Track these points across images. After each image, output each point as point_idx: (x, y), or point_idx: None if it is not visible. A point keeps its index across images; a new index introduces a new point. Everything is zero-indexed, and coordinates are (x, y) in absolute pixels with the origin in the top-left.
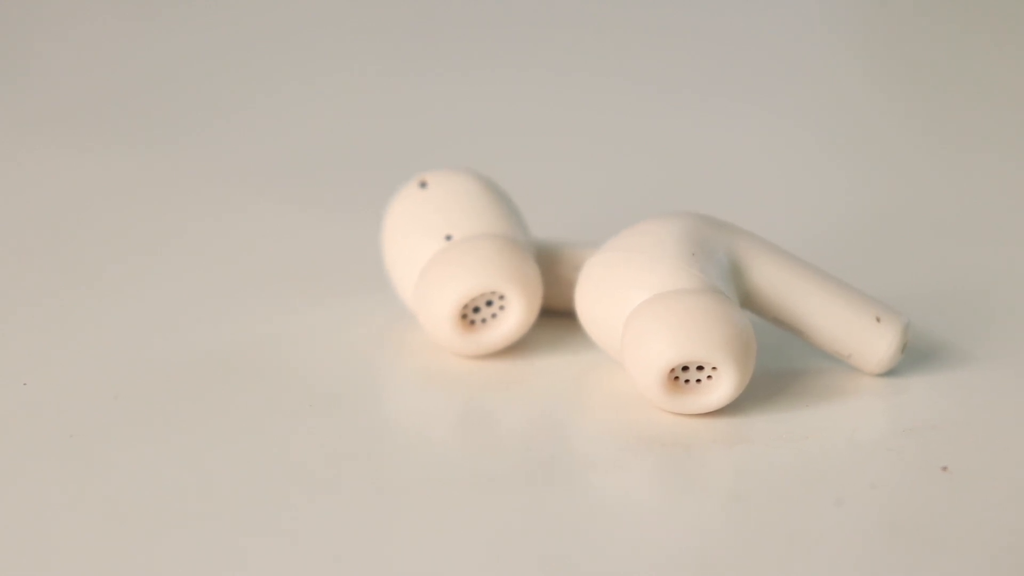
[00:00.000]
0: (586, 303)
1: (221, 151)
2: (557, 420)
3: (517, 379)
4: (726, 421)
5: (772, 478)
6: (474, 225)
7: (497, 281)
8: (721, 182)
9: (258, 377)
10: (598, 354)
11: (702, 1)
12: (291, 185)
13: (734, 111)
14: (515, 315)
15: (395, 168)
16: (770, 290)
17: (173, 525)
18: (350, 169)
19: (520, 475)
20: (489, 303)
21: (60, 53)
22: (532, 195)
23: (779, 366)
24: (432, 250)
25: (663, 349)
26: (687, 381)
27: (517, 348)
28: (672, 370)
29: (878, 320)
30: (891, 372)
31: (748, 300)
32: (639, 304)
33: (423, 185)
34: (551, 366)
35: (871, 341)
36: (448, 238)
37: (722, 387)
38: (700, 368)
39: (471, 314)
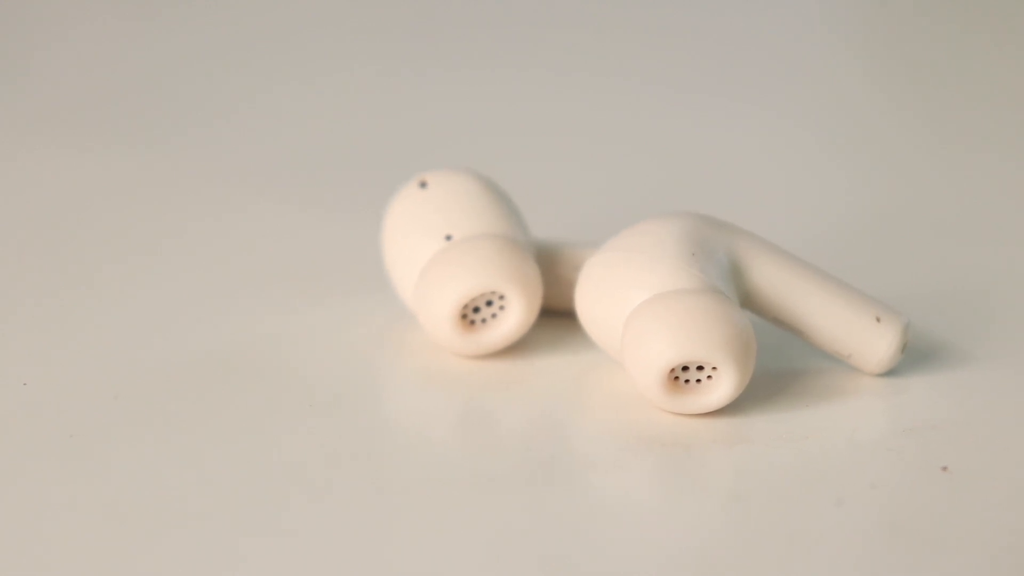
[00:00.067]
0: (586, 303)
1: (221, 151)
2: (557, 420)
3: (517, 379)
4: (726, 421)
5: (772, 478)
6: (474, 225)
7: (497, 281)
8: (721, 182)
9: (258, 377)
10: (598, 354)
11: (702, 1)
12: (291, 185)
13: (734, 111)
14: (515, 315)
15: (395, 168)
16: (770, 290)
17: (173, 525)
18: (350, 169)
19: (520, 475)
20: (489, 303)
21: (60, 53)
22: (532, 195)
23: (779, 366)
24: (432, 250)
25: (663, 349)
26: (687, 381)
27: (517, 348)
28: (672, 370)
29: (878, 320)
30: (891, 372)
31: (748, 300)
32: (639, 304)
33: (423, 185)
34: (551, 366)
35: (871, 341)
36: (448, 238)
37: (722, 387)
38: (700, 368)
39: (471, 314)
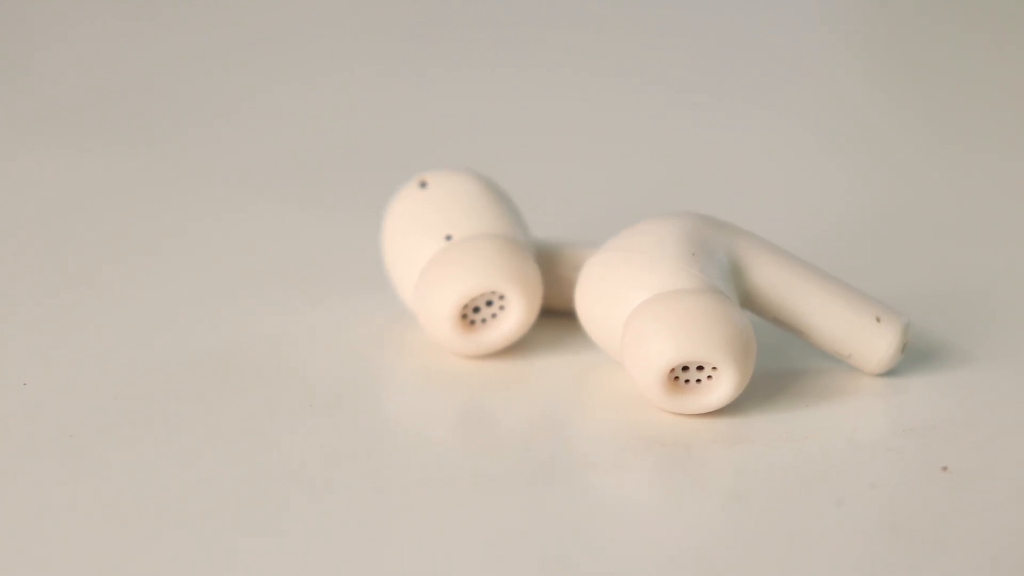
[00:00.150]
0: (586, 303)
1: (221, 151)
2: (557, 420)
3: (517, 379)
4: (726, 421)
5: (772, 478)
6: (474, 225)
7: (497, 281)
8: (721, 182)
9: (258, 377)
10: (598, 354)
11: (702, 1)
12: (291, 185)
13: (734, 111)
14: (515, 315)
15: (395, 168)
16: (770, 290)
17: (173, 525)
18: (350, 169)
19: (520, 475)
20: (489, 303)
21: (60, 53)
22: (532, 195)
23: (779, 366)
24: (432, 250)
25: (663, 349)
26: (687, 381)
27: (517, 348)
28: (672, 370)
29: (878, 320)
30: (891, 372)
31: (748, 300)
32: (639, 304)
33: (423, 185)
34: (551, 366)
35: (871, 341)
36: (448, 238)
37: (722, 387)
38: (700, 368)
39: (471, 314)
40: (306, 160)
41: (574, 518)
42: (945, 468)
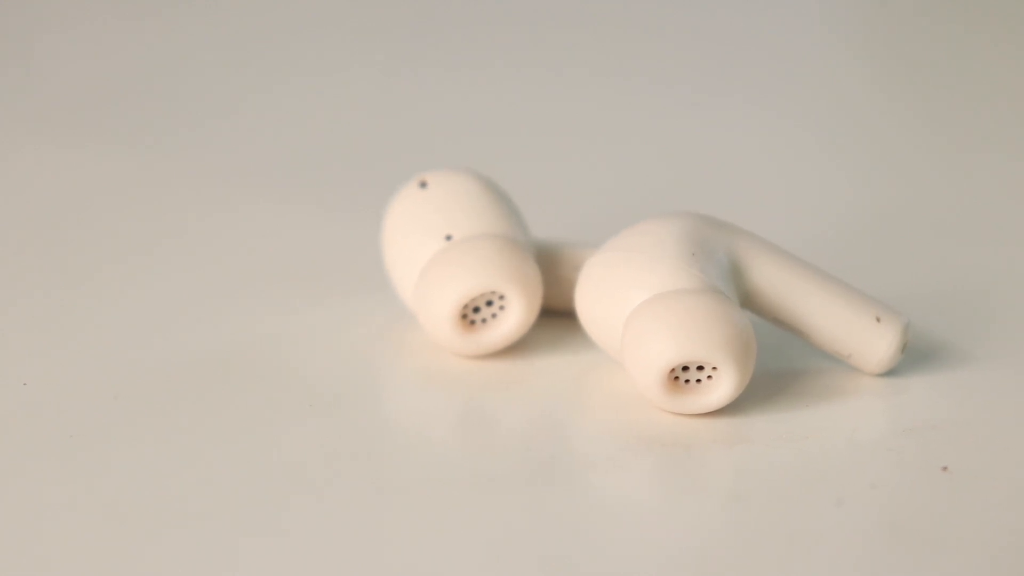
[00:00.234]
0: (586, 303)
1: (220, 151)
2: (557, 420)
3: (517, 379)
4: (726, 421)
5: (772, 478)
6: (474, 225)
7: (497, 281)
8: (721, 182)
9: (258, 377)
10: (598, 354)
11: (702, 1)
12: (291, 185)
13: (734, 111)
14: (515, 315)
15: (395, 168)
16: (770, 290)
17: (173, 525)
18: (350, 169)
19: (520, 475)
20: (489, 303)
21: (60, 53)
22: (532, 195)
23: (779, 366)
24: (432, 250)
25: (663, 349)
26: (687, 381)
27: (517, 348)
28: (672, 370)
29: (878, 320)
30: (891, 372)
31: (748, 300)
32: (639, 304)
33: (423, 185)
34: (551, 366)
35: (871, 341)
36: (448, 238)
37: (722, 387)
38: (700, 368)
39: (471, 314)
40: (306, 160)
41: (574, 518)
42: (945, 468)
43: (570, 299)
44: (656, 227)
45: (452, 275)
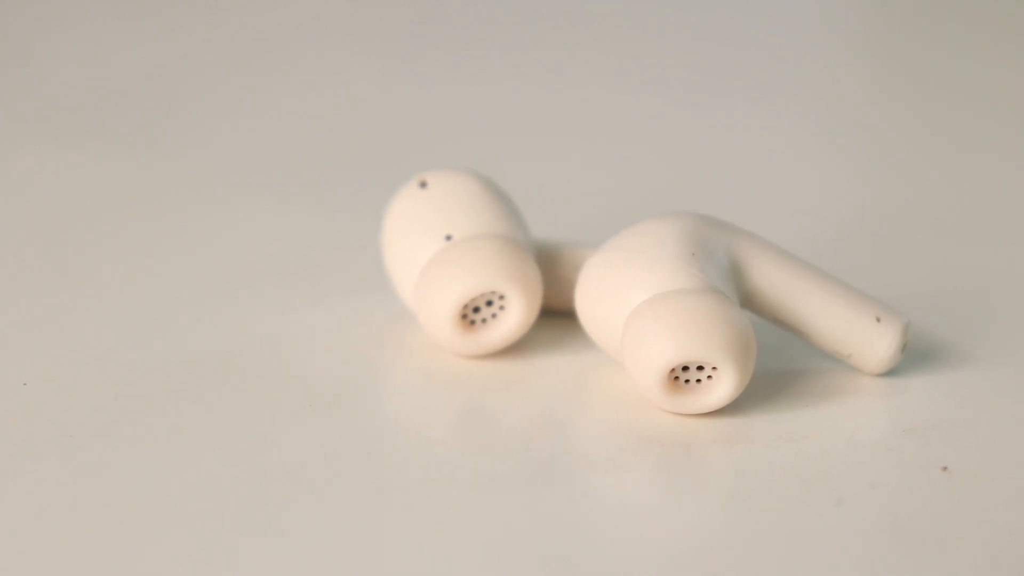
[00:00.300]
0: (586, 303)
1: (220, 151)
2: (557, 420)
3: (517, 379)
4: (726, 421)
5: (772, 478)
6: (474, 225)
7: (497, 281)
8: (721, 182)
9: (258, 377)
10: (598, 354)
11: (702, 1)
12: (291, 185)
13: (734, 111)
14: (515, 315)
15: (395, 168)
16: (770, 290)
17: (173, 525)
18: (350, 169)
19: (520, 475)
20: (489, 303)
21: (59, 52)
22: (532, 195)
23: (779, 366)
24: (432, 250)
25: (663, 349)
26: (687, 381)
27: (517, 348)
28: (672, 370)
29: (878, 320)
30: (891, 372)
31: (748, 300)
32: (639, 304)
33: (423, 185)
34: (551, 366)
35: (871, 341)
36: (448, 238)
37: (722, 387)
38: (700, 368)
39: (471, 314)
40: (306, 160)
41: (574, 518)
42: (945, 468)
43: (570, 299)
44: (656, 227)
45: (452, 275)
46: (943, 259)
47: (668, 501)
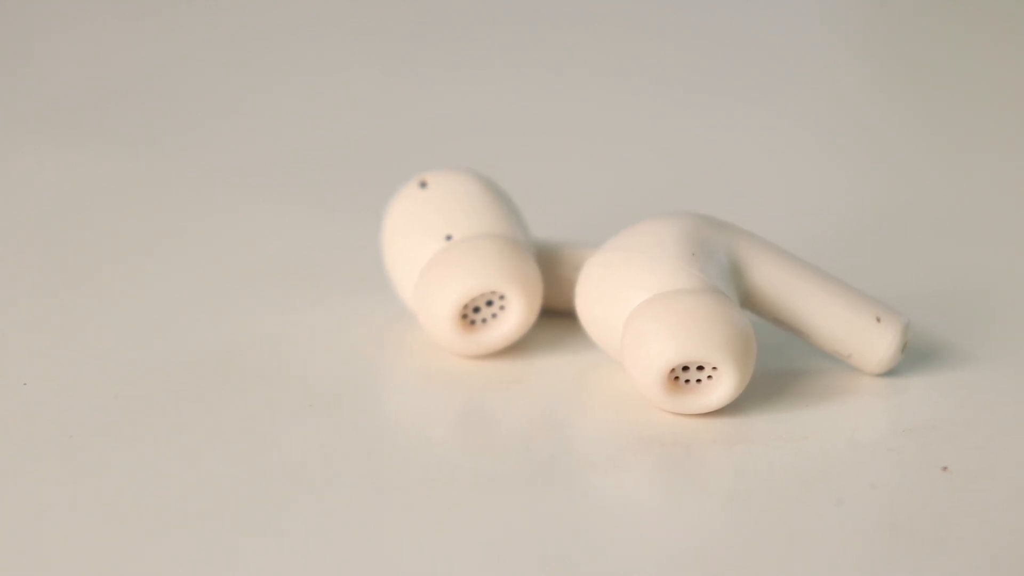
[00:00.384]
0: (586, 303)
1: (220, 151)
2: (557, 420)
3: (517, 379)
4: (726, 421)
5: (772, 478)
6: (474, 225)
7: (497, 281)
8: (721, 182)
9: (258, 377)
10: (598, 354)
11: (702, 1)
12: (291, 185)
13: (734, 111)
14: (515, 315)
15: (395, 168)
16: (770, 290)
17: (173, 525)
18: (350, 169)
19: (520, 475)
20: (489, 303)
21: (59, 52)
22: (532, 195)
23: (779, 366)
24: (432, 250)
25: (663, 349)
26: (687, 381)
27: (517, 348)
28: (672, 370)
29: (878, 320)
30: (891, 372)
31: (748, 300)
32: (639, 304)
33: (423, 185)
34: (551, 366)
35: (871, 341)
36: (448, 238)
37: (722, 387)
38: (700, 368)
39: (471, 314)
40: (306, 160)
41: (574, 518)
42: (945, 468)
43: (570, 299)
44: (656, 227)
45: (452, 275)
46: (943, 259)
47: (668, 501)
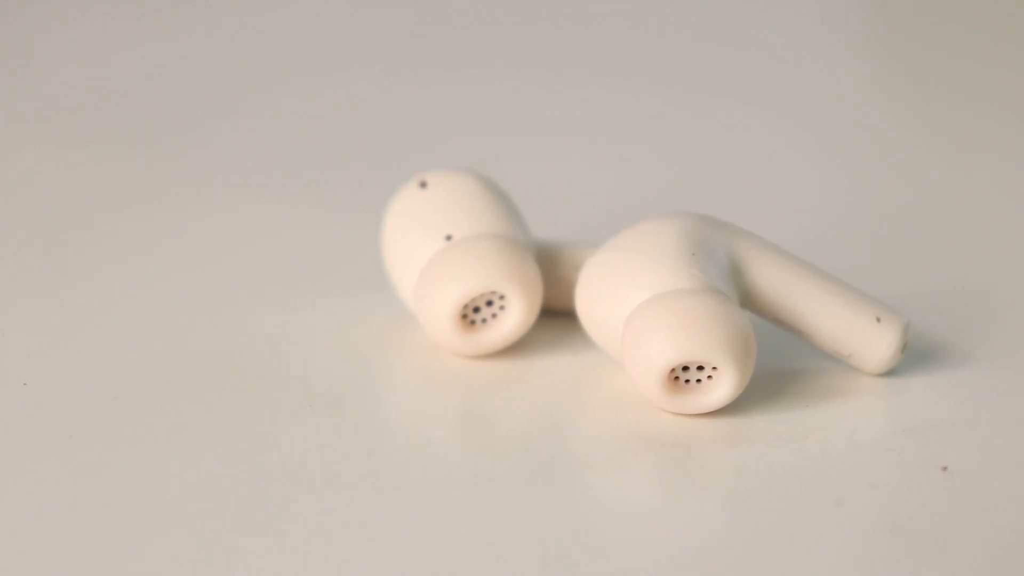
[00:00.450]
0: (586, 303)
1: (220, 151)
2: (557, 420)
3: (517, 379)
4: (726, 421)
5: (772, 478)
6: (474, 225)
7: (497, 281)
8: (721, 182)
9: (258, 377)
10: (598, 354)
11: (702, 1)
12: (291, 185)
13: (734, 111)
14: (515, 315)
15: (395, 168)
16: (770, 290)
17: (173, 525)
18: (350, 169)
19: (520, 475)
20: (489, 303)
21: (59, 52)
22: (532, 195)
23: (779, 366)
24: (432, 250)
25: (663, 349)
26: (687, 381)
27: (517, 348)
28: (672, 370)
29: (878, 320)
30: (891, 372)
31: (748, 300)
32: (639, 304)
33: (423, 185)
34: (551, 366)
35: (871, 341)
36: (448, 238)
37: (722, 387)
38: (700, 368)
39: (471, 314)
40: (306, 160)
41: (574, 518)
42: (945, 468)
43: (570, 299)
44: (656, 227)
45: (452, 275)
46: (943, 259)
47: (668, 501)
